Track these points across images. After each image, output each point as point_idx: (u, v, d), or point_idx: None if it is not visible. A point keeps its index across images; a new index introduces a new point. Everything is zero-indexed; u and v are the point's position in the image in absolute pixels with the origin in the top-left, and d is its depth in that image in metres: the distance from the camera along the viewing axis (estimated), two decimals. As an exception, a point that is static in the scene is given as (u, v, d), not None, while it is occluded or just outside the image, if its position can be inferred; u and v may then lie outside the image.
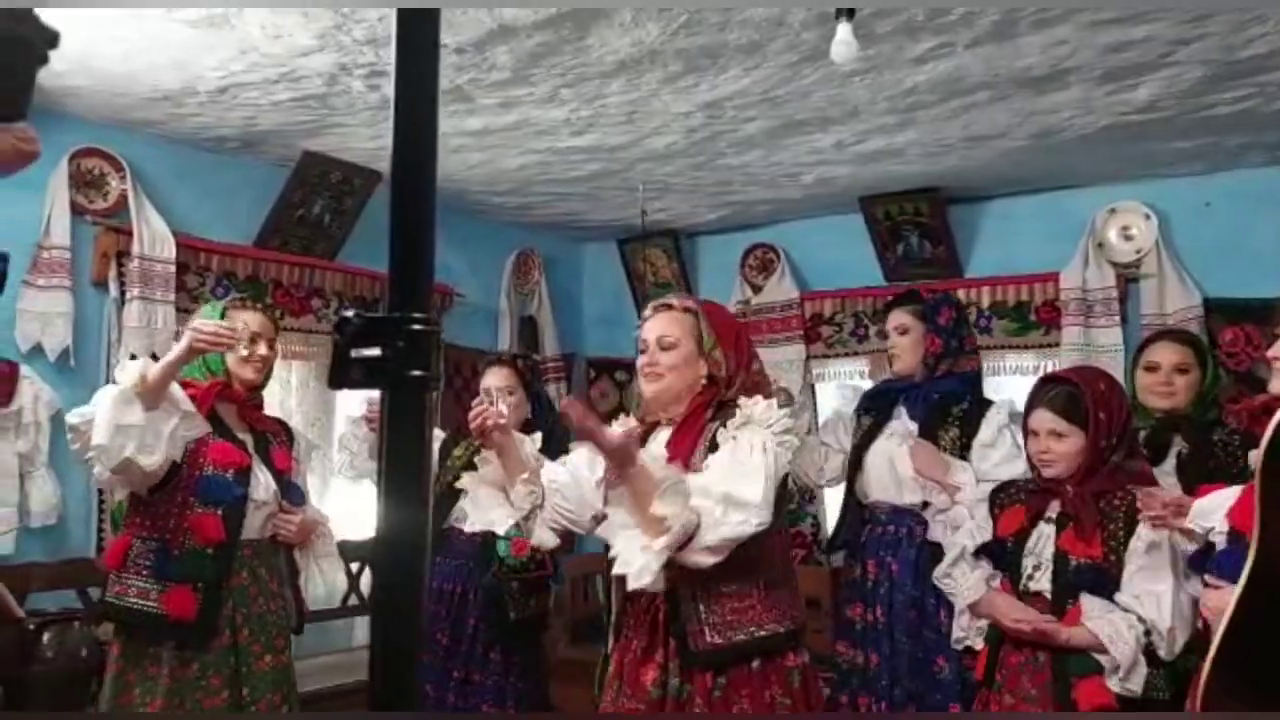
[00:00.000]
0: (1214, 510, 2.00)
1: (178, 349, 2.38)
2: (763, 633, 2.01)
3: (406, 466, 0.60)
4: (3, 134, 0.37)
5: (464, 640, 2.98)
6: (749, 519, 1.90)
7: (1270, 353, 1.96)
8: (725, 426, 2.05)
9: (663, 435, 2.19)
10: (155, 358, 3.49)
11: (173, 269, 3.56)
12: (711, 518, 1.89)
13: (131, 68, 2.99)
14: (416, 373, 0.60)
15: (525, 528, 2.35)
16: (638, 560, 1.88)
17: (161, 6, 2.55)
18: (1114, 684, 2.19)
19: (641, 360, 2.18)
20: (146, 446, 2.34)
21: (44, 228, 3.35)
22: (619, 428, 2.33)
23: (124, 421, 2.31)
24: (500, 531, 2.90)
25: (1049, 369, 3.83)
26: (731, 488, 1.91)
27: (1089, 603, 2.25)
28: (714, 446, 2.04)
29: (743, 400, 2.07)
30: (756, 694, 1.98)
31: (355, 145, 3.69)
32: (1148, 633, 2.19)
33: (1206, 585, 2.01)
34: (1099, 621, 2.21)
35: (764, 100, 3.21)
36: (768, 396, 2.15)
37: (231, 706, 2.48)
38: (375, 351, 0.59)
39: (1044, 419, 2.41)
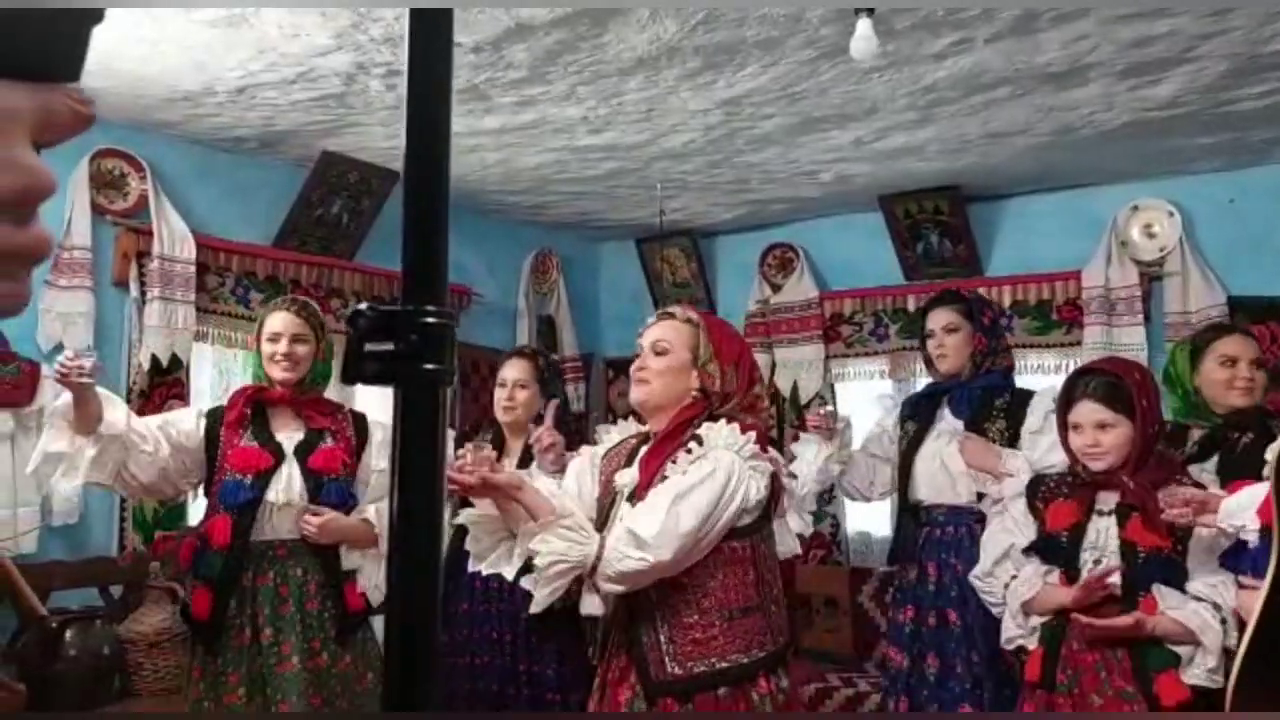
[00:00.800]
0: (1243, 509, 1.95)
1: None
2: (724, 664, 1.93)
3: (421, 462, 0.59)
4: (60, 96, 0.37)
5: (519, 635, 2.90)
6: (645, 557, 1.85)
7: None
8: (689, 452, 1.98)
9: (640, 455, 2.12)
10: (176, 357, 3.57)
11: (193, 269, 3.58)
12: (615, 551, 1.88)
13: (151, 68, 3.01)
14: (430, 366, 0.59)
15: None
16: (540, 591, 1.94)
17: (180, 6, 2.56)
18: (1197, 675, 2.14)
19: (634, 366, 2.14)
20: (71, 470, 2.46)
21: (65, 228, 3.38)
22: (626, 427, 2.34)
23: (50, 449, 2.46)
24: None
25: (1071, 368, 3.79)
26: (637, 523, 1.88)
27: (1166, 593, 2.20)
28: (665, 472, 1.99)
29: (706, 429, 2.00)
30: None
31: (373, 145, 3.70)
32: (1223, 620, 2.15)
33: (1241, 586, 1.98)
34: (1185, 611, 2.17)
35: (782, 97, 3.20)
36: (762, 420, 2.09)
37: (250, 706, 2.49)
38: (388, 345, 0.59)
39: (1089, 410, 2.34)
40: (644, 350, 2.13)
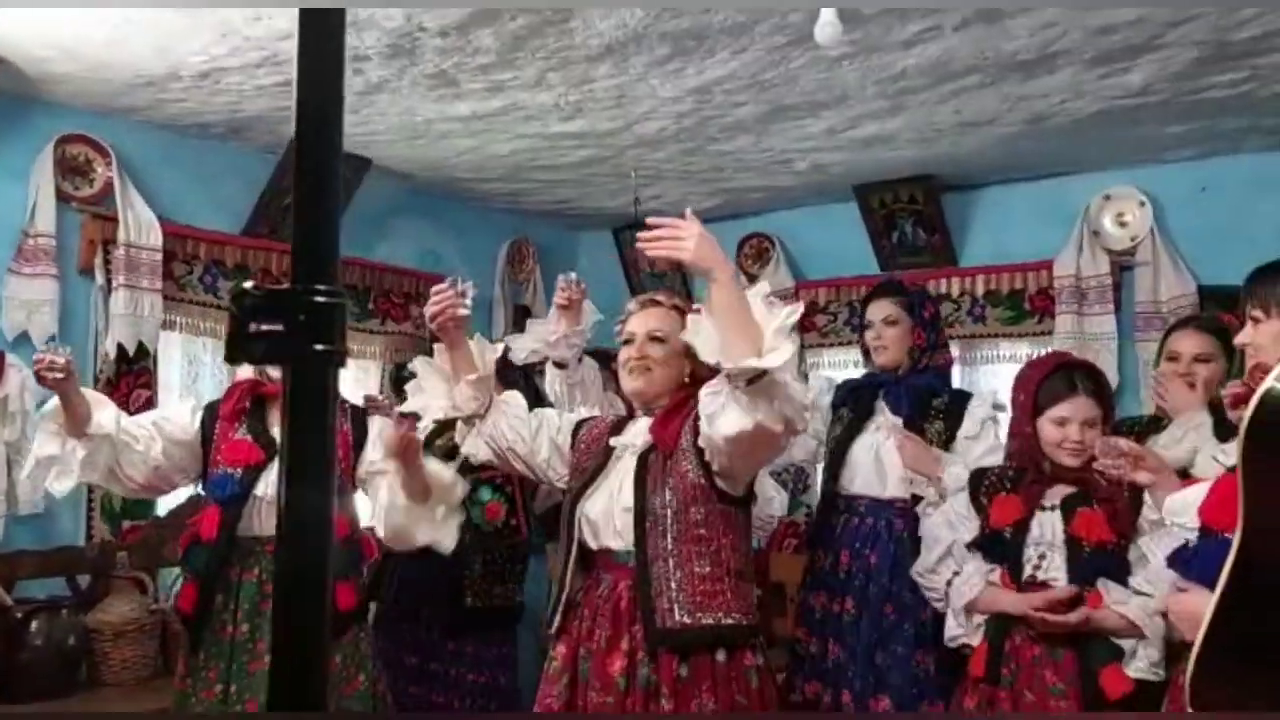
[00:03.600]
0: (1185, 508, 1.93)
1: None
2: (729, 620, 1.98)
3: (311, 445, 0.58)
4: None
5: (423, 630, 2.88)
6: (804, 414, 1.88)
7: (1238, 339, 1.88)
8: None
9: (641, 423, 2.17)
10: (143, 346, 3.53)
11: (159, 257, 3.54)
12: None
13: (114, 53, 2.97)
14: (320, 347, 0.58)
15: (461, 432, 2.29)
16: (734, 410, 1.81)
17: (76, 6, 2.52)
18: (1140, 669, 2.15)
19: (628, 352, 2.16)
20: (64, 473, 2.44)
21: (29, 215, 3.34)
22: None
23: (42, 454, 2.44)
24: (427, 418, 2.51)
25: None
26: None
27: (1111, 588, 2.21)
28: (698, 430, 2.01)
29: None
30: (716, 688, 1.96)
31: (345, 131, 3.66)
32: (1164, 614, 2.16)
33: (1180, 590, 1.97)
34: (1129, 606, 2.18)
35: (752, 85, 3.18)
36: None
37: (224, 704, 2.47)
38: (277, 325, 0.57)
39: (1084, 407, 2.33)
40: (638, 338, 2.15)
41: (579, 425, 2.27)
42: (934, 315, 3.11)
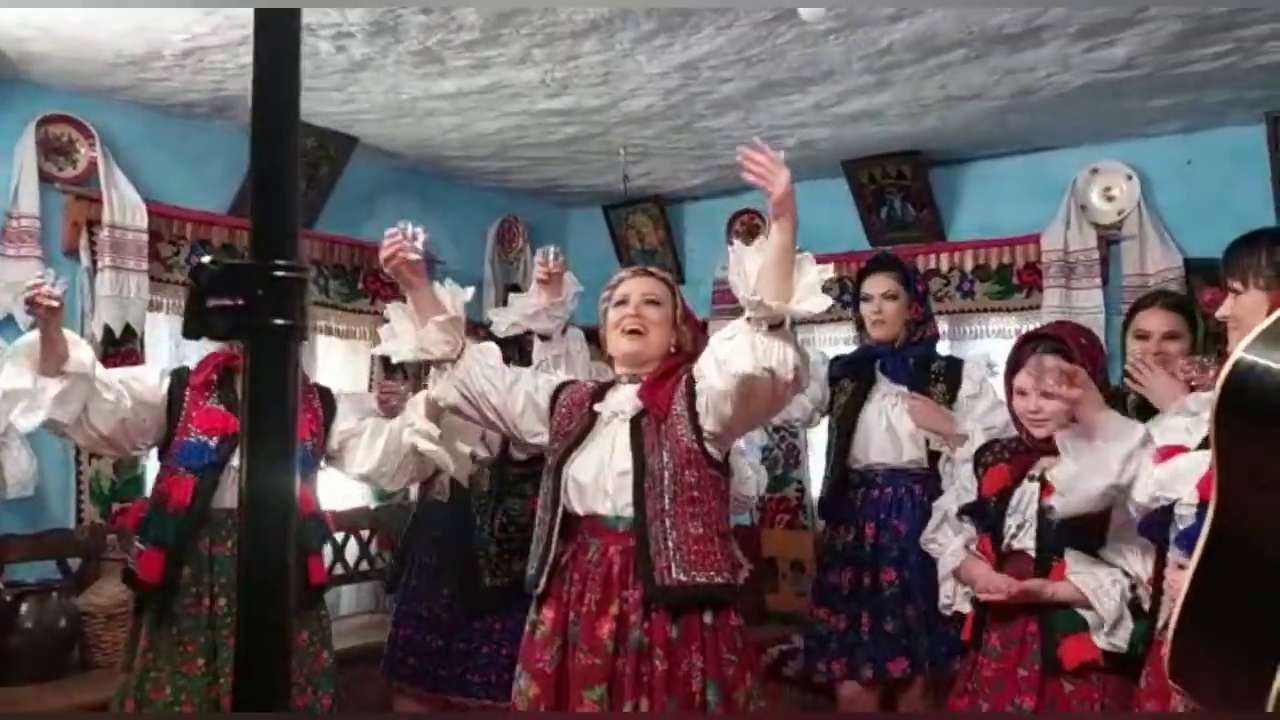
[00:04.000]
0: (1178, 480, 1.91)
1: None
2: (720, 579, 2.06)
3: (272, 421, 0.58)
4: None
5: (443, 610, 2.96)
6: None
7: (1220, 312, 1.89)
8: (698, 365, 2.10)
9: (625, 389, 2.22)
10: (130, 327, 3.52)
11: (145, 237, 3.53)
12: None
13: (94, 32, 2.95)
14: (280, 322, 0.58)
15: (433, 377, 2.28)
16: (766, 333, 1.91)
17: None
18: (1100, 640, 2.19)
19: (621, 313, 2.20)
20: (32, 408, 2.35)
21: (12, 196, 3.32)
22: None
23: (9, 386, 2.35)
24: (395, 358, 2.45)
25: (1030, 331, 3.81)
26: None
27: (1075, 558, 2.25)
28: (692, 395, 2.08)
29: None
30: (705, 647, 2.03)
31: (326, 109, 3.65)
32: (1134, 587, 2.19)
33: (1181, 567, 1.97)
34: (1083, 576, 2.21)
35: (739, 60, 3.17)
36: None
37: (207, 676, 2.48)
38: (237, 300, 0.58)
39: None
40: (633, 300, 2.21)
41: (559, 389, 2.30)
42: (925, 289, 3.25)
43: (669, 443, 2.08)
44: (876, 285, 3.13)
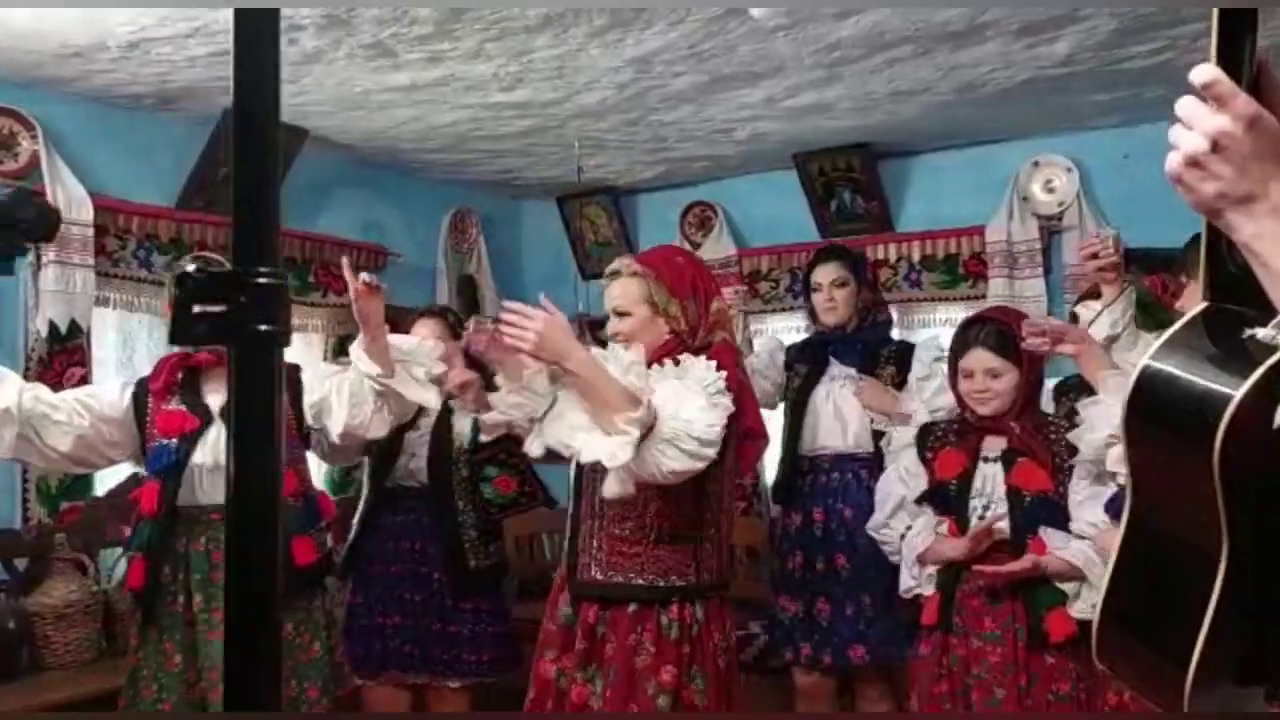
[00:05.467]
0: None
1: None
2: (640, 581, 2.10)
3: (257, 425, 0.60)
4: None
5: (432, 595, 2.99)
6: (704, 451, 1.95)
7: (1180, 303, 1.99)
8: (663, 366, 2.12)
9: None
10: (75, 323, 3.46)
11: (90, 232, 3.46)
12: (672, 431, 1.92)
13: (39, 23, 2.89)
14: (264, 327, 0.60)
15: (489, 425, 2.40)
16: (604, 444, 1.91)
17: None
18: (1083, 610, 2.26)
19: (609, 328, 2.28)
20: None
21: (-48, 190, 3.24)
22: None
23: None
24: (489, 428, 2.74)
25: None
26: (693, 416, 1.94)
27: (1051, 534, 2.33)
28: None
29: (685, 358, 2.13)
30: (626, 636, 2.08)
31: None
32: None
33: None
34: (1070, 550, 2.30)
35: (691, 55, 3.20)
36: (730, 332, 2.27)
37: (187, 673, 2.49)
38: (220, 307, 0.59)
39: (980, 358, 2.46)
40: (611, 315, 2.27)
41: None
42: (875, 277, 3.35)
43: None
44: (826, 274, 3.20)
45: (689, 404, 1.97)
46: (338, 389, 2.62)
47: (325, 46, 3.09)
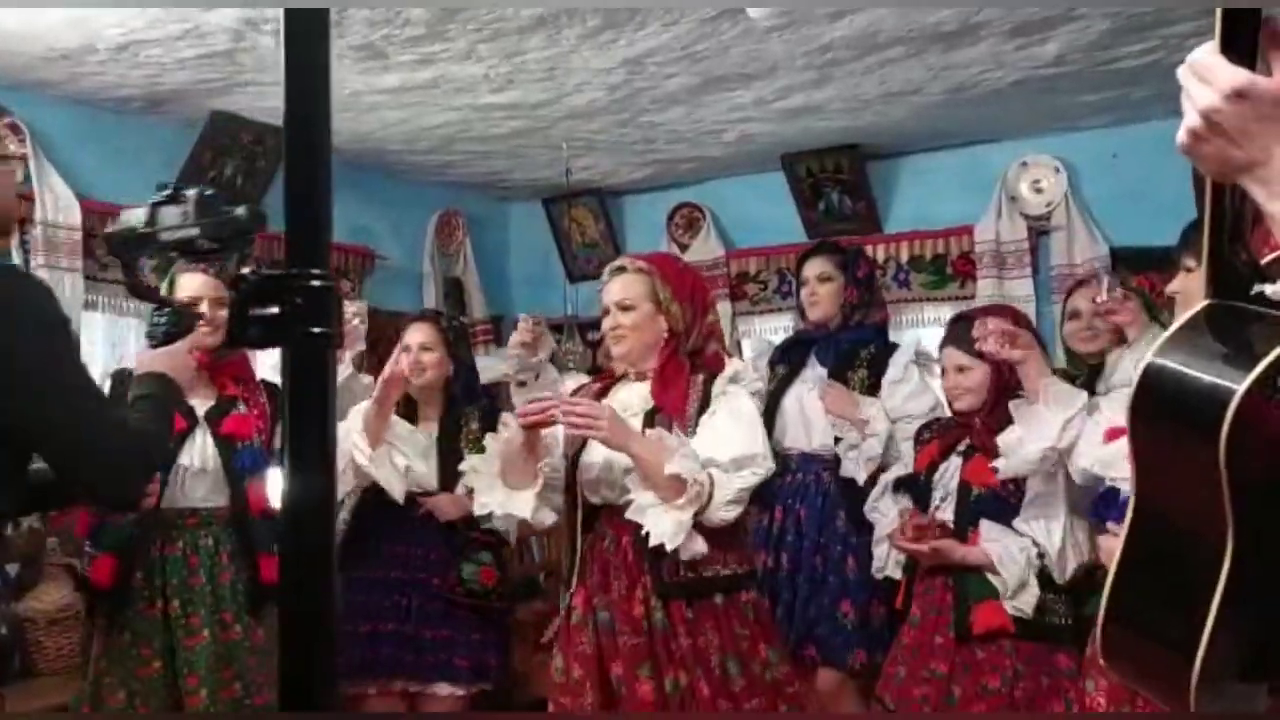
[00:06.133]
0: (1115, 460, 2.03)
1: None
2: (726, 571, 2.20)
3: (311, 425, 0.60)
4: None
5: (425, 601, 2.94)
6: (757, 469, 2.14)
7: (1170, 287, 2.01)
8: (714, 382, 2.22)
9: (634, 387, 2.30)
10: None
11: (79, 235, 3.44)
12: (724, 476, 2.09)
13: (27, 26, 2.87)
14: (316, 330, 0.60)
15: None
16: (668, 524, 2.05)
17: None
18: (1007, 605, 2.33)
19: (606, 324, 2.30)
20: None
21: (-62, 194, 3.20)
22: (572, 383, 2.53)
23: None
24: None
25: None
26: (737, 448, 2.12)
27: (988, 527, 2.40)
28: (706, 401, 2.20)
29: (722, 358, 2.28)
30: (719, 625, 2.17)
31: (266, 104, 3.59)
32: (1041, 556, 2.31)
33: (1116, 535, 2.09)
34: (992, 544, 2.35)
35: (684, 56, 3.21)
36: (722, 344, 2.35)
37: (165, 679, 2.46)
38: (273, 309, 0.60)
39: (951, 355, 2.56)
40: (611, 309, 2.29)
41: (572, 395, 2.37)
42: (868, 275, 3.26)
43: None
44: (812, 269, 3.21)
45: (734, 443, 2.14)
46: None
47: (317, 48, 3.07)
